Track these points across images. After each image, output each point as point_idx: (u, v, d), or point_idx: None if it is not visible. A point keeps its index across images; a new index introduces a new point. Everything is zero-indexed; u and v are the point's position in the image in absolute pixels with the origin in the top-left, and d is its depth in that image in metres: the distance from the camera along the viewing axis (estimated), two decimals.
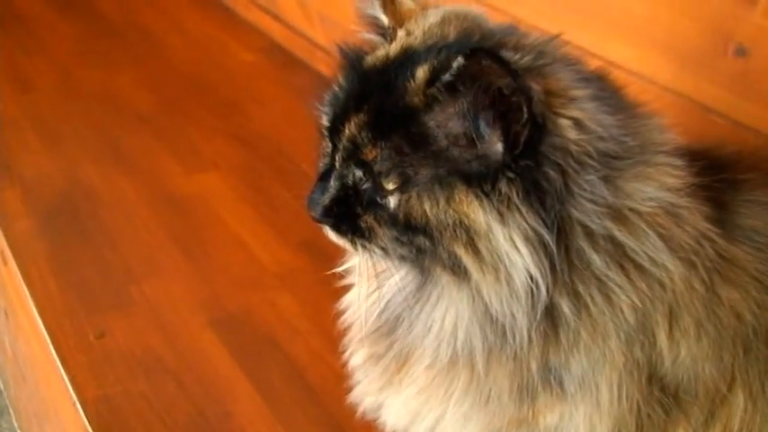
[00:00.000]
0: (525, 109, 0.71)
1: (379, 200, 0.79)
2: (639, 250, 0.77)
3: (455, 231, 0.76)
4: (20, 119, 1.99)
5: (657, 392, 0.81)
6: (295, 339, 1.33)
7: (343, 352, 0.98)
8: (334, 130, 0.82)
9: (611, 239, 0.77)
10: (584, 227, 0.76)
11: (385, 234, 0.80)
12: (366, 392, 0.95)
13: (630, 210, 0.77)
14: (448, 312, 0.81)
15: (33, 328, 1.41)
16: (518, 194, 0.74)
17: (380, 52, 0.83)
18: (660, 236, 0.78)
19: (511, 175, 0.74)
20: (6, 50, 2.37)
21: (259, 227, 1.61)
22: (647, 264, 0.78)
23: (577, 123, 0.75)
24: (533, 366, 0.81)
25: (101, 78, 2.23)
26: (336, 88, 0.84)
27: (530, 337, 0.78)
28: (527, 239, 0.75)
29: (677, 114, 1.33)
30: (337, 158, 0.81)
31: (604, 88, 0.82)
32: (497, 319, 0.78)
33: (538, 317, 0.77)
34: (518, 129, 0.73)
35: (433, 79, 0.75)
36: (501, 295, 0.77)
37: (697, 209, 0.81)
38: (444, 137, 0.76)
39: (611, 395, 0.81)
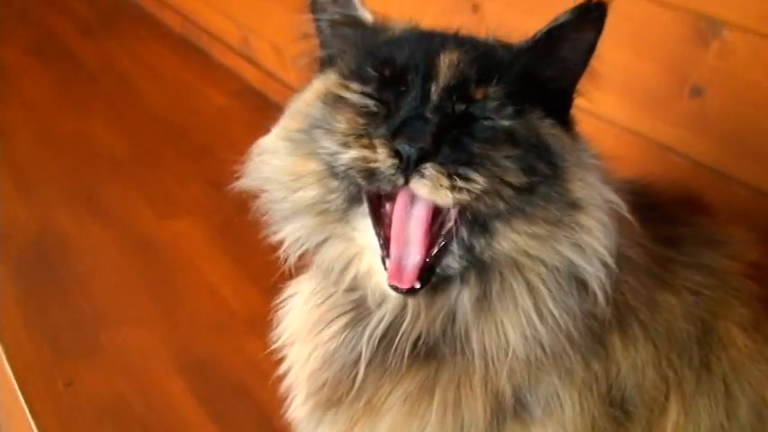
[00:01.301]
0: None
1: (488, 124, 0.77)
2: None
3: (571, 167, 0.79)
4: None
5: (608, 405, 0.82)
6: (264, 385, 1.31)
7: (284, 412, 0.96)
8: (414, 68, 0.78)
9: None
10: None
11: (503, 156, 0.76)
12: None
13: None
14: (536, 297, 0.79)
15: (2, 375, 1.41)
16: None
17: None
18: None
19: None
20: None
21: (230, 271, 1.62)
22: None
23: None
24: (508, 391, 0.81)
25: (77, 124, 2.25)
26: (372, 50, 0.82)
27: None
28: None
29: (636, 154, 1.35)
30: (433, 91, 0.76)
31: None
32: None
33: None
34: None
35: None
36: (605, 231, 0.78)
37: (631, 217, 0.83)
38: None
39: (574, 412, 0.81)
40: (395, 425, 0.84)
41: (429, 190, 0.73)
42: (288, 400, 0.95)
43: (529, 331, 0.78)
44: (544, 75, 0.81)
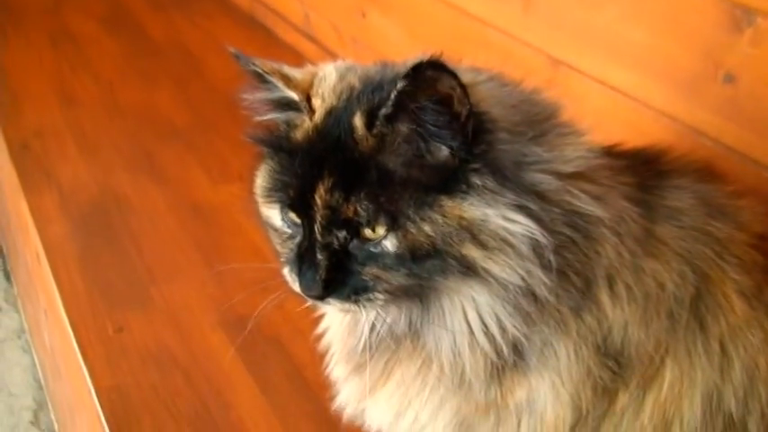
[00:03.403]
0: (467, 101, 0.78)
1: (374, 249, 0.82)
2: (585, 210, 0.84)
3: (459, 236, 0.80)
4: (62, 130, 2.12)
5: (603, 356, 0.87)
6: (298, 339, 1.40)
7: (326, 367, 1.05)
8: (301, 206, 0.85)
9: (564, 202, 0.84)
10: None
11: (393, 276, 0.83)
12: (349, 401, 1.01)
13: (566, 174, 0.84)
14: (468, 312, 0.85)
15: (59, 321, 1.51)
16: (489, 179, 0.81)
17: (306, 124, 0.86)
18: (595, 198, 0.85)
19: (475, 166, 0.80)
20: (56, 67, 2.51)
21: None
22: (590, 227, 0.84)
23: (492, 102, 0.84)
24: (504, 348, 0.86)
25: (141, 94, 2.36)
26: (277, 172, 0.88)
27: (555, 290, 0.84)
28: (518, 208, 0.81)
29: (670, 137, 1.38)
30: (316, 229, 0.84)
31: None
32: (523, 288, 0.83)
33: (554, 266, 0.82)
34: (464, 122, 0.79)
35: (371, 120, 0.80)
36: (515, 267, 0.82)
37: (617, 187, 0.88)
38: (406, 165, 0.81)
39: (570, 361, 0.86)
40: (401, 382, 0.93)
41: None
42: (327, 358, 1.05)
43: (484, 334, 0.86)
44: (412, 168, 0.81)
